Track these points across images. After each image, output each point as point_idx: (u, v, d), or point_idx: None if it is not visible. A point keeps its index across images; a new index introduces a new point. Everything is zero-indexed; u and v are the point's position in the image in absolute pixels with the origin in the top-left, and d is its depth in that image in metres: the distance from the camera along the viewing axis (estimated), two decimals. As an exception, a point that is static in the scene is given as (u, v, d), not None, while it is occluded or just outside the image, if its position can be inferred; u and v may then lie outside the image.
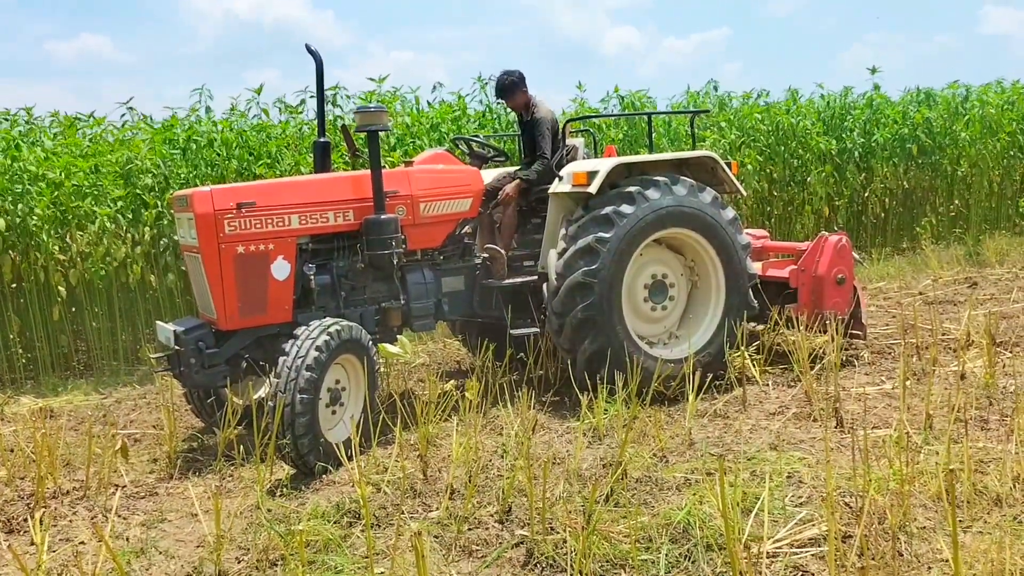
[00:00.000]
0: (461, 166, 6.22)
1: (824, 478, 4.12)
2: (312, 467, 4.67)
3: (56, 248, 7.92)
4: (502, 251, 6.11)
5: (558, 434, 5.30)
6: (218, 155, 8.64)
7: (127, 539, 4.04)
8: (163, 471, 5.13)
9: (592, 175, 5.76)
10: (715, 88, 12.28)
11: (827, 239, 6.47)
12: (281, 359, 4.67)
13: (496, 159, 6.67)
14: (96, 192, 8.15)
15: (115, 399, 7.30)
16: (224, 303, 5.11)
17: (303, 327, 4.84)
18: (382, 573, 3.40)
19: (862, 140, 12.42)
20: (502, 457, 4.77)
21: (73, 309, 8.47)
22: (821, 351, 6.54)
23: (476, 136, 7.23)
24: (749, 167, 11.00)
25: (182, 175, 8.47)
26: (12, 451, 5.42)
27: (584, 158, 6.61)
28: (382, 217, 5.41)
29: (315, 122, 7.04)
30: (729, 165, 6.35)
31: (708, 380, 5.85)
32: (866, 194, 12.67)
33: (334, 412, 4.91)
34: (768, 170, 11.66)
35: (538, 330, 6.05)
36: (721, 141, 11.00)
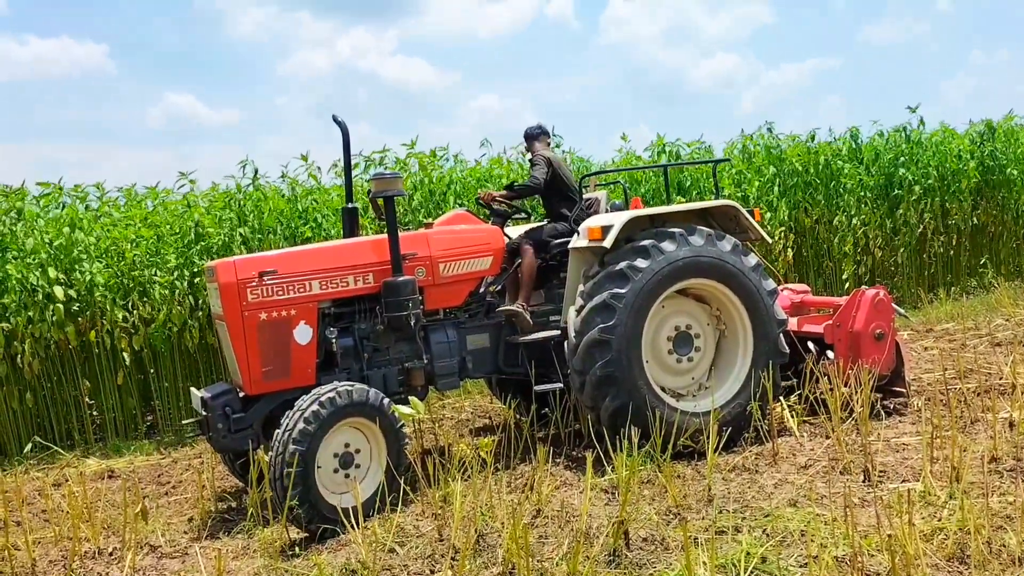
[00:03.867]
0: (481, 225, 6.30)
1: (836, 536, 3.99)
2: (316, 532, 4.76)
3: (120, 315, 8.36)
4: (518, 308, 6.10)
5: (579, 490, 5.27)
6: (277, 220, 9.12)
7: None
8: (195, 531, 5.32)
9: (607, 230, 5.76)
10: (769, 129, 12.11)
11: (864, 293, 6.31)
12: (276, 431, 4.83)
13: (517, 216, 6.77)
14: (158, 260, 8.59)
15: (172, 459, 7.60)
16: (249, 368, 5.28)
17: (302, 396, 4.95)
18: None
19: (909, 175, 11.98)
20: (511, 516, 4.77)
21: (141, 375, 8.90)
22: (860, 401, 6.33)
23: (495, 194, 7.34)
24: (776, 213, 10.88)
25: (238, 239, 8.85)
26: (64, 511, 5.70)
27: (607, 211, 6.60)
28: (399, 279, 5.52)
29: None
30: (751, 213, 6.29)
31: (727, 433, 5.73)
32: (928, 232, 12.24)
33: (348, 475, 4.98)
34: (808, 213, 11.45)
35: (561, 385, 6.04)
36: (738, 190, 10.95)
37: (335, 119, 5.81)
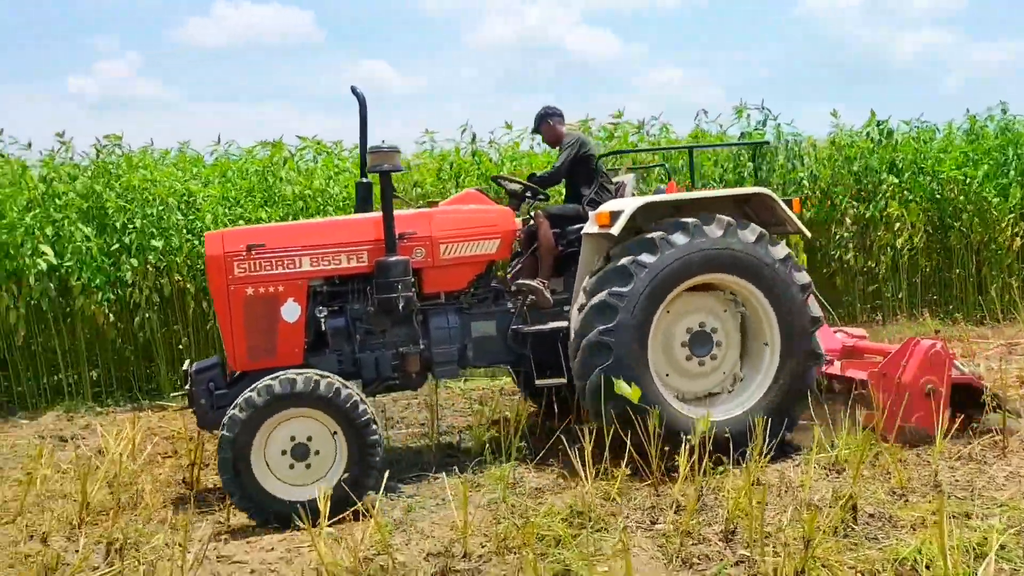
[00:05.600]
0: (491, 206, 5.77)
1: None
2: (260, 521, 4.56)
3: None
4: (537, 284, 5.56)
5: (795, 463, 5.28)
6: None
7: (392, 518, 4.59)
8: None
9: (615, 215, 5.16)
10: (1003, 110, 10.79)
11: (918, 343, 5.50)
12: None
13: (536, 198, 6.29)
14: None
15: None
16: (234, 345, 5.10)
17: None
18: (605, 572, 3.65)
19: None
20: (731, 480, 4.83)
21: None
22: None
23: (512, 176, 6.91)
24: (1007, 199, 9.76)
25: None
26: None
27: (634, 195, 6.05)
28: (391, 259, 5.17)
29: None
30: (790, 203, 5.55)
31: (733, 450, 4.91)
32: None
33: (308, 466, 4.65)
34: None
35: (564, 381, 5.44)
36: (960, 173, 9.97)
37: (353, 90, 5.54)
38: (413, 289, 5.27)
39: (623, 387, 4.84)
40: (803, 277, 5.31)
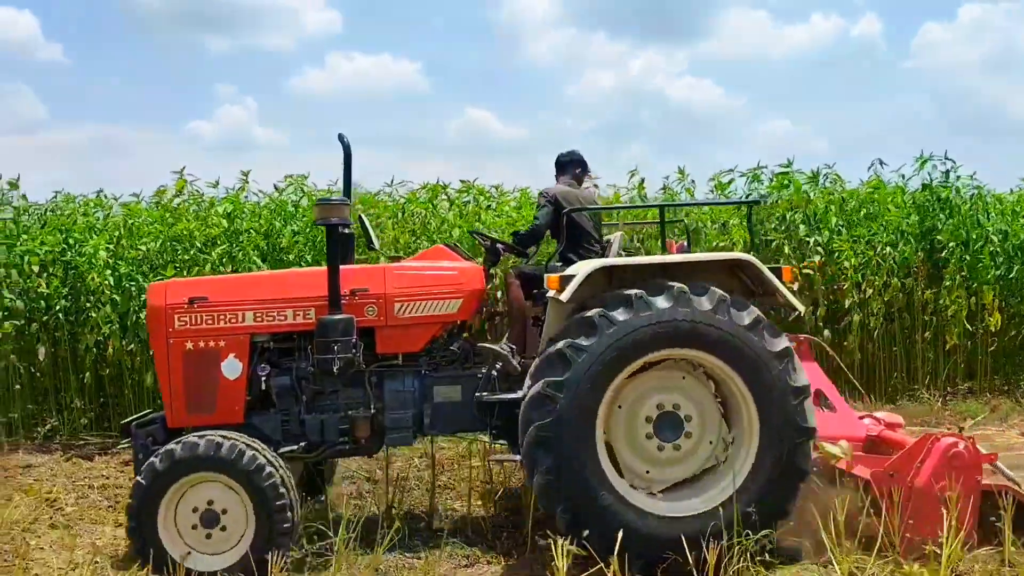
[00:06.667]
0: (456, 263, 5.40)
1: None
2: None
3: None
4: (502, 348, 5.17)
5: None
6: None
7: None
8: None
9: (566, 280, 4.71)
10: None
11: (937, 441, 4.75)
12: None
13: (519, 256, 6.01)
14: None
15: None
16: (171, 399, 4.97)
17: None
18: None
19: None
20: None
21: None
22: None
23: (488, 233, 6.60)
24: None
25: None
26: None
27: (619, 255, 5.66)
28: (332, 317, 4.90)
29: None
30: (779, 272, 4.92)
31: (742, 542, 4.41)
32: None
33: (209, 536, 4.53)
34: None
35: (519, 459, 4.84)
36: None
37: (340, 137, 5.43)
38: (356, 350, 4.97)
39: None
40: (779, 343, 4.67)
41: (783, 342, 4.67)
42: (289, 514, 4.48)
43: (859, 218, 8.97)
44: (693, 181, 9.16)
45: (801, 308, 5.00)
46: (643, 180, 9.05)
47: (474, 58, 44.40)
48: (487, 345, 5.29)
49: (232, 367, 5.00)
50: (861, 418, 5.72)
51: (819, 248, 8.54)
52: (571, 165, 6.05)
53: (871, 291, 8.56)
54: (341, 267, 5.07)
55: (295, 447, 5.02)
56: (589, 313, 4.62)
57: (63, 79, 37.54)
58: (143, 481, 4.45)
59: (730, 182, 9.07)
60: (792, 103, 42.32)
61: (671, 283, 4.63)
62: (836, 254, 8.58)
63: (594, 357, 4.55)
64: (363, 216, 5.73)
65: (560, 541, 4.12)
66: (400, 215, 8.90)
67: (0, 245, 8.00)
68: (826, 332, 8.42)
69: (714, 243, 8.46)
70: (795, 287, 7.16)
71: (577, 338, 4.58)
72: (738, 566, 4.27)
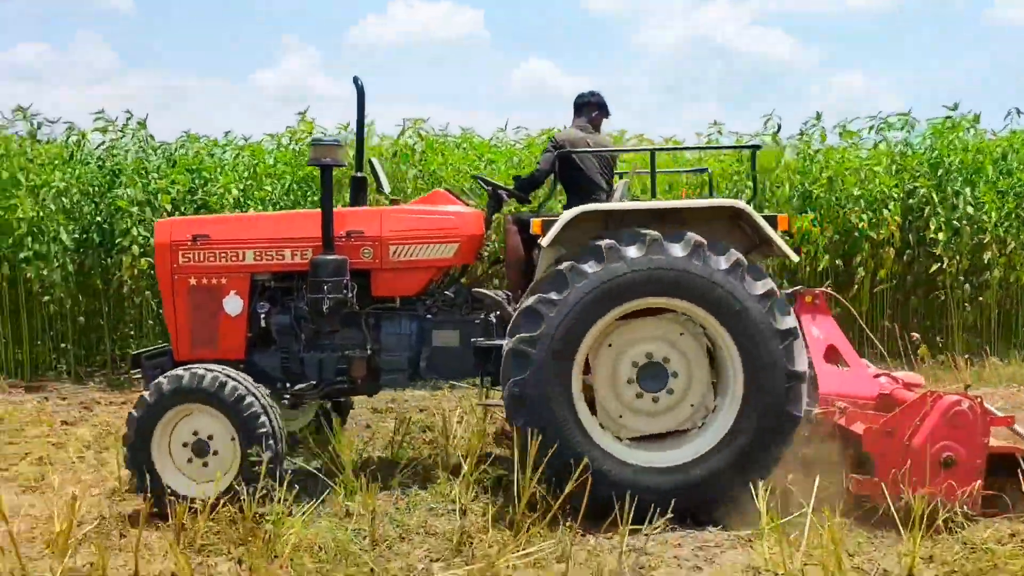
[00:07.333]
0: (454, 207, 5.37)
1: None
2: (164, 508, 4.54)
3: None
4: (497, 294, 5.25)
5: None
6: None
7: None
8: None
9: (547, 225, 4.71)
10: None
11: (940, 399, 4.46)
12: None
13: (521, 202, 5.98)
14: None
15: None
16: (177, 334, 5.14)
17: None
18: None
19: None
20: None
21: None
22: None
23: (490, 179, 6.43)
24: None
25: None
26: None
27: (623, 200, 5.54)
28: (324, 258, 4.96)
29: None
30: (773, 220, 4.74)
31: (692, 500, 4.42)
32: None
33: (205, 464, 4.66)
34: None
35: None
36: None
37: (354, 80, 5.33)
38: (347, 291, 5.02)
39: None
40: (761, 286, 4.52)
41: (767, 284, 4.53)
42: (272, 442, 4.59)
43: (997, 172, 9.09)
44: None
45: (794, 256, 4.91)
46: (779, 127, 9.26)
47: (535, 5, 43.65)
48: (483, 291, 5.32)
49: (234, 304, 5.13)
50: (876, 376, 5.48)
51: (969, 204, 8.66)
52: (587, 108, 5.92)
53: (1014, 244, 8.73)
54: (342, 209, 5.16)
55: (303, 385, 5.15)
56: (561, 266, 4.58)
57: (131, 28, 38.68)
58: (134, 413, 4.63)
59: (864, 129, 9.24)
60: (867, 57, 40.10)
61: (644, 231, 4.53)
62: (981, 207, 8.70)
63: (565, 311, 4.50)
64: (374, 160, 5.73)
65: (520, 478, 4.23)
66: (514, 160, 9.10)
67: (136, 183, 8.32)
68: (967, 287, 8.76)
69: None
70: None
71: (548, 292, 4.54)
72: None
